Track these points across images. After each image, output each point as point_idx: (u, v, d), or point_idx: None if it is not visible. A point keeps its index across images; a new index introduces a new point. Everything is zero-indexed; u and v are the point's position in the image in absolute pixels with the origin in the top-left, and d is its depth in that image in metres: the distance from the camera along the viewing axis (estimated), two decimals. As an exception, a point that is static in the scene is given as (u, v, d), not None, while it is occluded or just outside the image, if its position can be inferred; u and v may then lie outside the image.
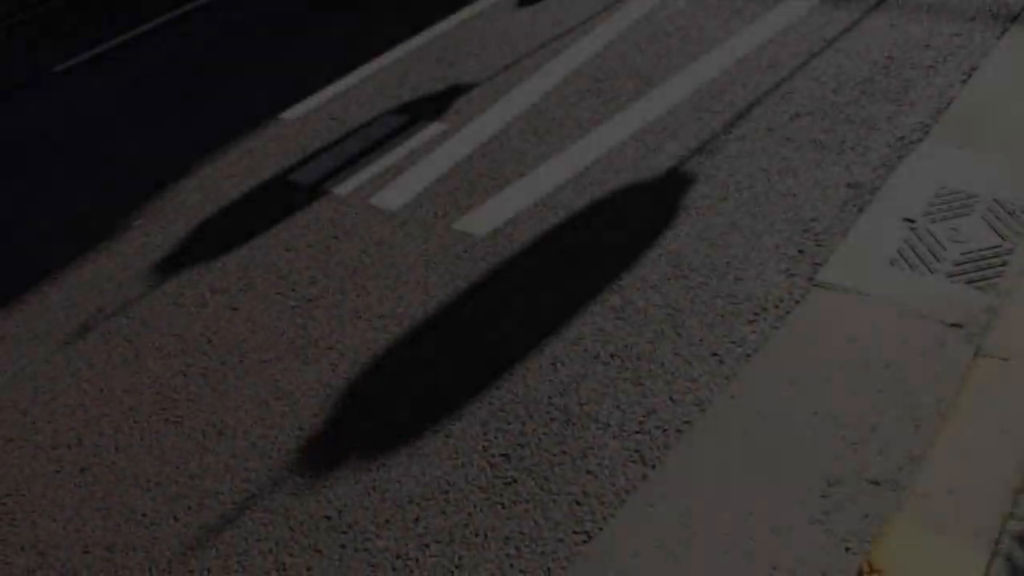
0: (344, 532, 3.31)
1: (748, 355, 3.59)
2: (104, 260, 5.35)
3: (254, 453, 3.75)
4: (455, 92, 6.15)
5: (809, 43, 5.58)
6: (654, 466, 3.24)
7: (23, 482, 3.93)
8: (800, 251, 4.03)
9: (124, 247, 5.43)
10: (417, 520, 3.28)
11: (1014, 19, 5.24)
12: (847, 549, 2.83)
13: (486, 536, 3.16)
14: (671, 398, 3.49)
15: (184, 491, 3.66)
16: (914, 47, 5.26)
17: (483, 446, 3.49)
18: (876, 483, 3.00)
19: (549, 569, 3.00)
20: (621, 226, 4.45)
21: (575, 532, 3.09)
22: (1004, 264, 3.68)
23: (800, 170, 4.52)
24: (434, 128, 5.77)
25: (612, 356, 3.74)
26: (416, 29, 7.34)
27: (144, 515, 3.61)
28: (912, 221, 4.03)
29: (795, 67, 5.38)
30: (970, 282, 3.65)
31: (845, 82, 5.12)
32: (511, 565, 3.04)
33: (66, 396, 4.34)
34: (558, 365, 3.76)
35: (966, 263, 3.74)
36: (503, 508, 3.24)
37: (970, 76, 4.87)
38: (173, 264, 5.14)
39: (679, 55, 5.84)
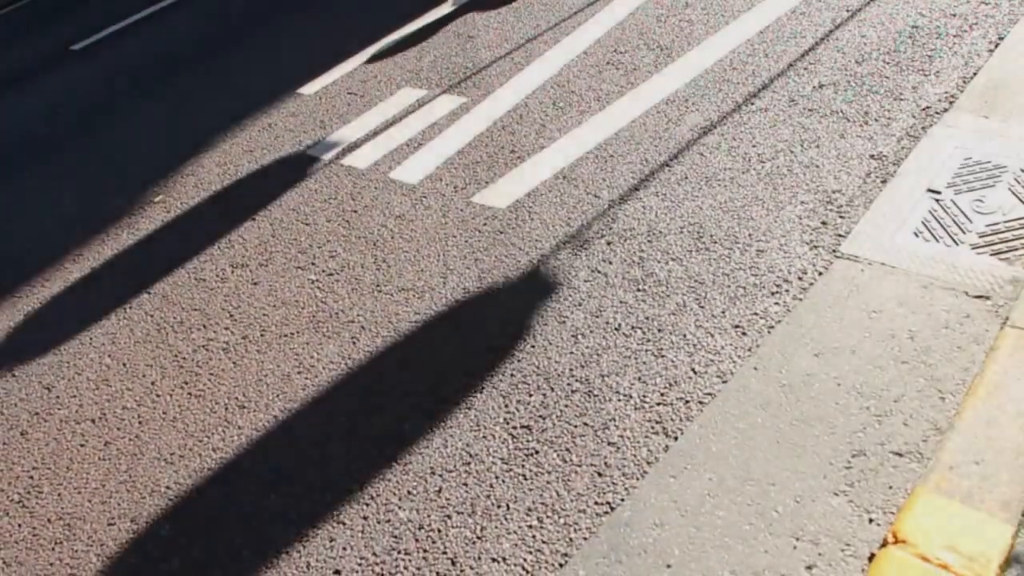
0: (366, 504, 3.33)
1: (771, 327, 3.57)
2: (125, 236, 5.37)
3: (276, 426, 3.76)
4: (474, 65, 6.11)
5: (833, 13, 5.50)
6: (676, 437, 3.23)
7: (48, 456, 3.97)
8: (823, 223, 3.99)
9: (145, 223, 5.45)
10: (439, 491, 3.29)
11: (1042, -14, 5.15)
12: (871, 520, 2.82)
13: (508, 507, 3.17)
14: (693, 370, 3.47)
15: (207, 464, 3.69)
16: (939, 16, 5.18)
17: (505, 418, 3.50)
18: (900, 454, 2.98)
19: (571, 540, 3.00)
20: (642, 199, 4.43)
21: (597, 503, 3.10)
22: (1031, 235, 3.63)
23: (823, 141, 4.47)
24: (453, 101, 5.74)
25: (633, 328, 3.73)
26: (434, 2, 7.30)
27: (168, 488, 3.64)
28: (937, 192, 3.98)
29: (818, 37, 5.31)
30: (996, 254, 3.61)
31: (869, 52, 5.05)
32: (533, 536, 3.05)
33: (89, 371, 4.37)
34: (579, 337, 3.75)
35: (992, 235, 3.69)
36: (525, 479, 3.24)
37: (997, 45, 4.79)
38: (193, 239, 5.16)
39: (700, 26, 5.78)
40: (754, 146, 4.56)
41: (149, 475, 3.72)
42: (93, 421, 4.08)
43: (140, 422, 3.99)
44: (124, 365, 4.35)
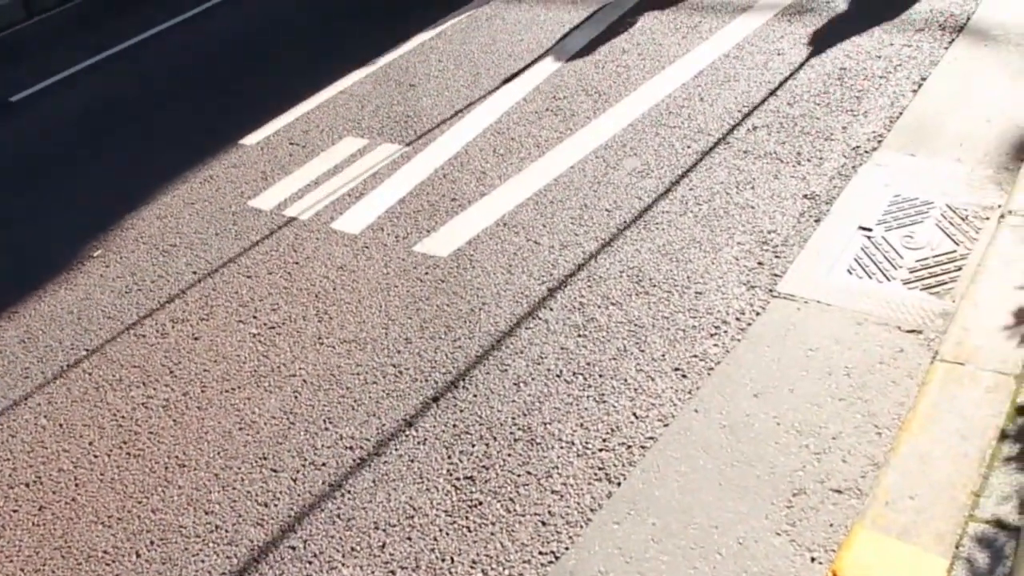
0: (310, 562, 3.27)
1: (710, 369, 3.60)
2: (63, 292, 5.28)
3: (217, 485, 3.69)
4: (415, 114, 6.15)
5: (764, 56, 5.64)
6: (619, 483, 3.23)
7: (-19, 523, 3.85)
8: (759, 263, 4.05)
9: (83, 278, 5.36)
10: (383, 547, 3.24)
11: (960, 30, 5.33)
12: (813, 559, 2.84)
13: (452, 560, 3.13)
14: (635, 414, 3.49)
15: (146, 526, 3.60)
16: (866, 58, 5.34)
17: (448, 469, 3.47)
18: (840, 491, 3.01)
19: (516, 591, 2.98)
20: (581, 244, 4.46)
21: (542, 553, 3.08)
22: (959, 269, 3.72)
23: (758, 182, 4.56)
24: (395, 150, 5.76)
25: (575, 374, 3.73)
26: (376, 52, 7.34)
27: (105, 552, 3.54)
28: (868, 230, 4.07)
29: (751, 81, 5.43)
30: (926, 288, 3.69)
31: (800, 94, 5.17)
32: (478, 589, 3.02)
33: (24, 432, 4.26)
34: (521, 385, 3.75)
35: (922, 270, 3.78)
36: (469, 531, 3.21)
37: (921, 85, 4.95)
38: (133, 294, 5.08)
39: (637, 72, 5.88)
40: (691, 189, 4.64)
41: (85, 539, 3.62)
42: (27, 485, 3.97)
43: (76, 484, 3.89)
44: (60, 426, 4.25)
